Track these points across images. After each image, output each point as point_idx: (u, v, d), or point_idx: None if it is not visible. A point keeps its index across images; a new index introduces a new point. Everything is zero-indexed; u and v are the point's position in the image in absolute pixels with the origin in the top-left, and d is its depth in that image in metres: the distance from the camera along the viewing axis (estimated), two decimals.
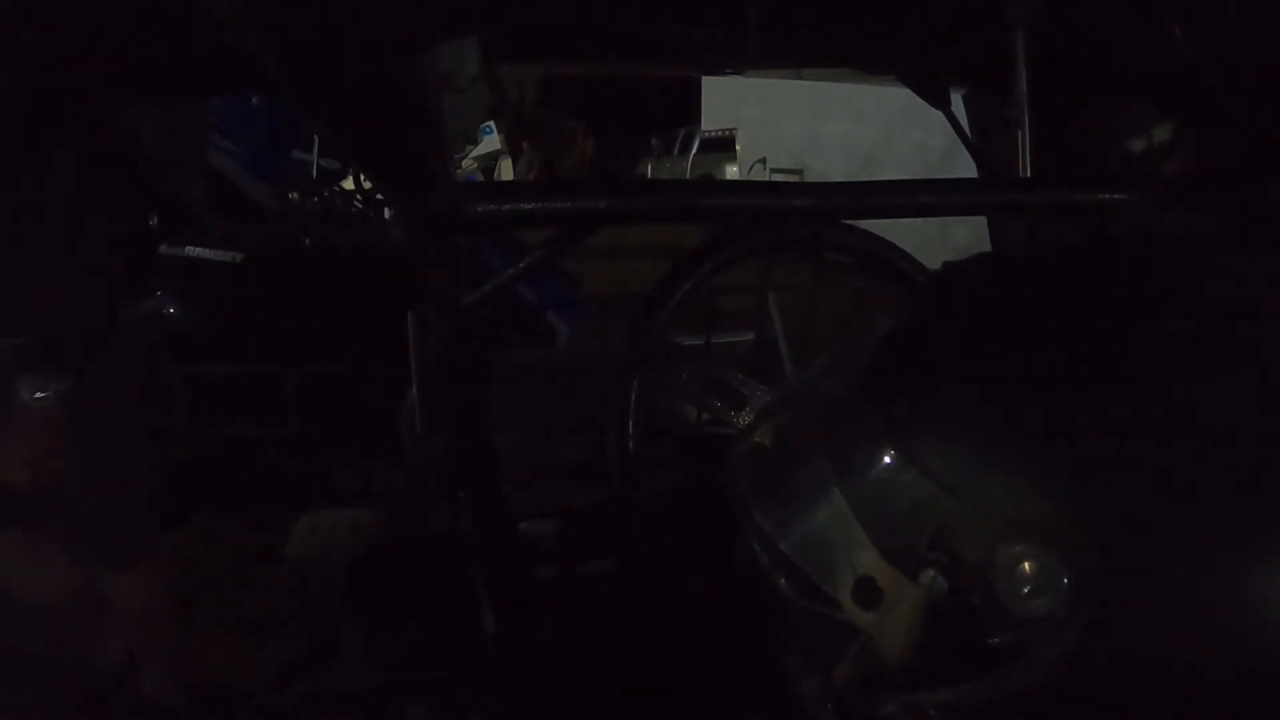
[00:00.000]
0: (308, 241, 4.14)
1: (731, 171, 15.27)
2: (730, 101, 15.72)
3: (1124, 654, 0.71)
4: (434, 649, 1.50)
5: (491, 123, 11.48)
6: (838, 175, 11.05)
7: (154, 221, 3.86)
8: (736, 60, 2.09)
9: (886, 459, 0.80)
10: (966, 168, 2.04)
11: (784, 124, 13.36)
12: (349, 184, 4.65)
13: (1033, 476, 0.74)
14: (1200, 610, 0.71)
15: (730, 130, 16.00)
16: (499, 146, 13.47)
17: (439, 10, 1.36)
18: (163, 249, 3.78)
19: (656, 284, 1.46)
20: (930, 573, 0.75)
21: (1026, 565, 0.72)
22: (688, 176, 15.35)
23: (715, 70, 2.84)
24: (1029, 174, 1.65)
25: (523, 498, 1.65)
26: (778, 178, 12.56)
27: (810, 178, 11.60)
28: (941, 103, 1.85)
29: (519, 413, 1.98)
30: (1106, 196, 1.54)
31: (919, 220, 1.58)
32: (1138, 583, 0.71)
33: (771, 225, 1.46)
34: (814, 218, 1.46)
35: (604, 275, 4.06)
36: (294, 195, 4.45)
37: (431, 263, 1.36)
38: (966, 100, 2.00)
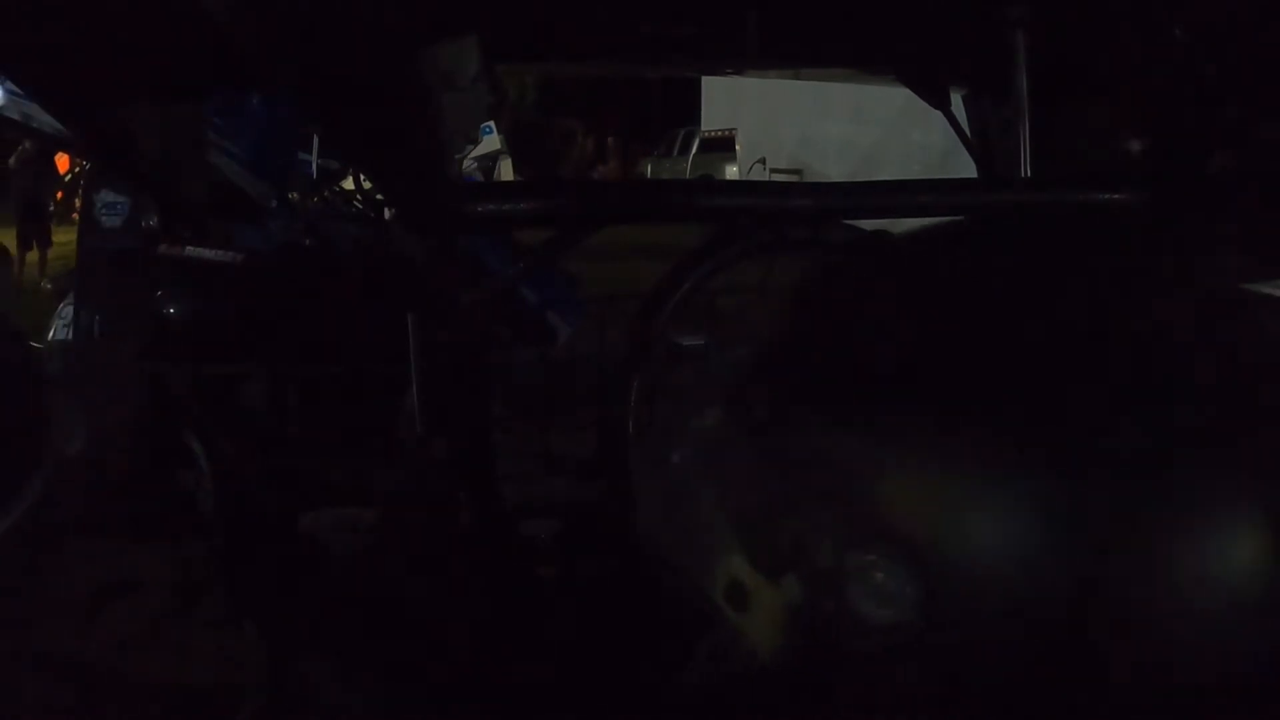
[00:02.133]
0: (308, 241, 4.13)
1: (731, 171, 15.27)
2: (730, 101, 15.72)
3: (973, 665, 0.72)
4: (434, 649, 1.50)
5: (491, 123, 11.47)
6: (837, 175, 11.05)
7: (154, 221, 3.86)
8: (736, 60, 2.09)
9: (751, 462, 0.82)
10: (966, 168, 2.04)
11: (784, 124, 13.36)
12: (349, 184, 4.64)
13: (885, 485, 0.75)
14: (1058, 617, 0.71)
15: (730, 130, 16.00)
16: (499, 146, 13.46)
17: (439, 9, 1.36)
18: (162, 249, 3.77)
19: (657, 284, 1.46)
20: (790, 577, 0.76)
21: (876, 574, 0.73)
22: (688, 176, 15.35)
23: (715, 70, 2.84)
24: (1029, 174, 1.65)
25: (523, 498, 1.65)
26: (777, 178, 12.55)
27: (810, 178, 11.60)
28: (941, 103, 1.85)
29: (519, 413, 1.98)
30: (1106, 196, 1.54)
31: (918, 221, 1.58)
32: (990, 592, 0.72)
33: (771, 225, 1.46)
34: (814, 218, 1.46)
35: (604, 275, 4.06)
36: (294, 195, 4.44)
37: (431, 263, 1.36)
38: (966, 100, 2.00)
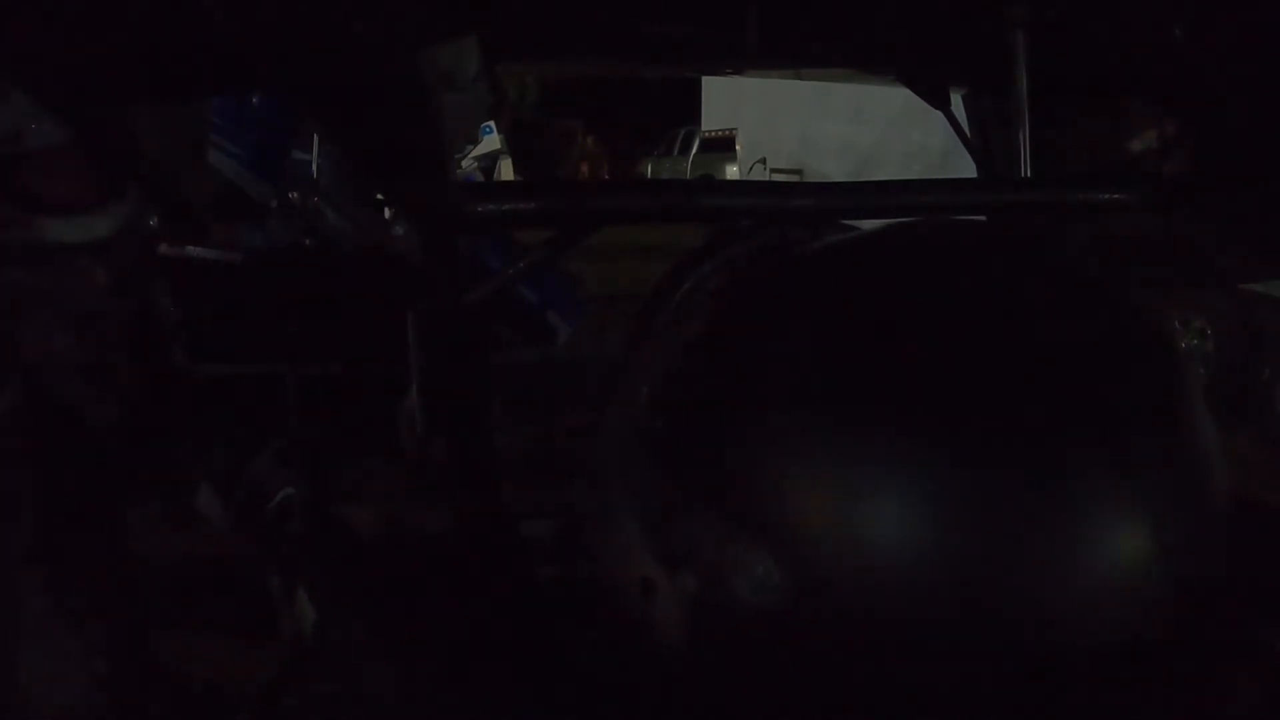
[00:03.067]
0: (308, 241, 4.14)
1: (731, 171, 15.28)
2: (730, 101, 15.73)
3: (846, 652, 0.77)
4: (434, 649, 1.50)
5: (491, 123, 11.48)
6: (838, 175, 11.06)
7: (154, 221, 3.85)
8: (736, 60, 2.09)
9: (643, 459, 0.88)
10: (966, 168, 2.04)
11: (784, 124, 13.37)
12: (349, 184, 4.65)
13: (758, 476, 0.80)
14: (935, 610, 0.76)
15: (730, 130, 16.01)
16: (499, 146, 13.48)
17: (439, 9, 1.36)
18: (162, 249, 3.77)
19: (657, 284, 1.46)
20: (685, 573, 0.82)
21: (751, 564, 0.78)
22: (688, 176, 15.36)
23: (715, 70, 2.85)
24: (1029, 174, 1.65)
25: (523, 498, 1.65)
26: (778, 178, 12.56)
27: (810, 178, 11.60)
28: (941, 103, 1.85)
29: (519, 413, 1.98)
30: (1106, 196, 1.54)
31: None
32: (860, 579, 0.77)
33: (771, 225, 1.46)
34: (814, 218, 1.46)
35: (604, 275, 4.06)
36: (294, 195, 4.44)
37: (431, 263, 1.36)
38: (966, 100, 2.00)
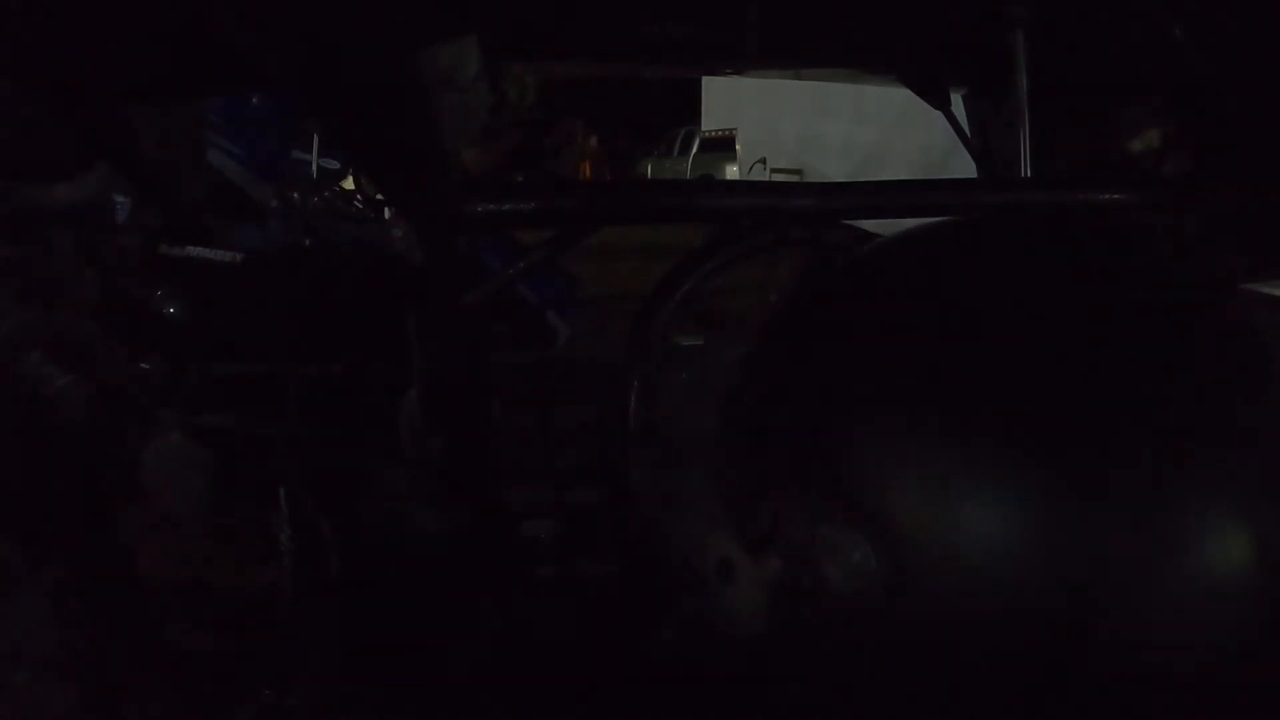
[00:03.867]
0: (308, 241, 4.13)
1: (731, 171, 15.26)
2: (730, 101, 15.72)
3: (939, 642, 0.76)
4: (434, 649, 1.50)
5: None
6: (838, 175, 11.05)
7: (154, 221, 3.85)
8: (736, 60, 2.09)
9: (731, 441, 0.88)
10: (966, 168, 2.04)
11: (784, 124, 13.36)
12: (349, 184, 4.64)
13: (852, 463, 0.80)
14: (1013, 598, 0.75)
15: (730, 130, 15.99)
16: None
17: (439, 9, 1.36)
18: (162, 249, 3.76)
19: (657, 284, 1.45)
20: (770, 554, 0.81)
21: (844, 548, 0.77)
22: (688, 176, 15.35)
23: (715, 70, 2.84)
24: (1029, 174, 1.65)
25: (523, 498, 1.65)
26: (778, 178, 12.55)
27: (810, 178, 11.60)
28: (941, 103, 1.85)
29: (519, 413, 1.98)
30: (1106, 196, 1.54)
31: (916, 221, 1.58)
32: (962, 574, 0.75)
33: (771, 225, 1.46)
34: (814, 218, 1.46)
35: (604, 275, 4.06)
36: (294, 195, 4.44)
37: (431, 263, 1.36)
38: (966, 100, 2.00)
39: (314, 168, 4.98)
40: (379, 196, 4.24)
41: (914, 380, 0.81)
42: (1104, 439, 0.77)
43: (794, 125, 13.05)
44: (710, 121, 17.23)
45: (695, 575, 0.87)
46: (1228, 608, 0.77)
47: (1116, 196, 1.54)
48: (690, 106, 17.95)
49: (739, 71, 2.51)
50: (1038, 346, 0.80)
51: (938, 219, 1.23)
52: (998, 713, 0.77)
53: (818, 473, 0.81)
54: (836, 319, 0.92)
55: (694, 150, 17.06)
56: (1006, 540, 0.75)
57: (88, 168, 1.60)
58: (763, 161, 14.05)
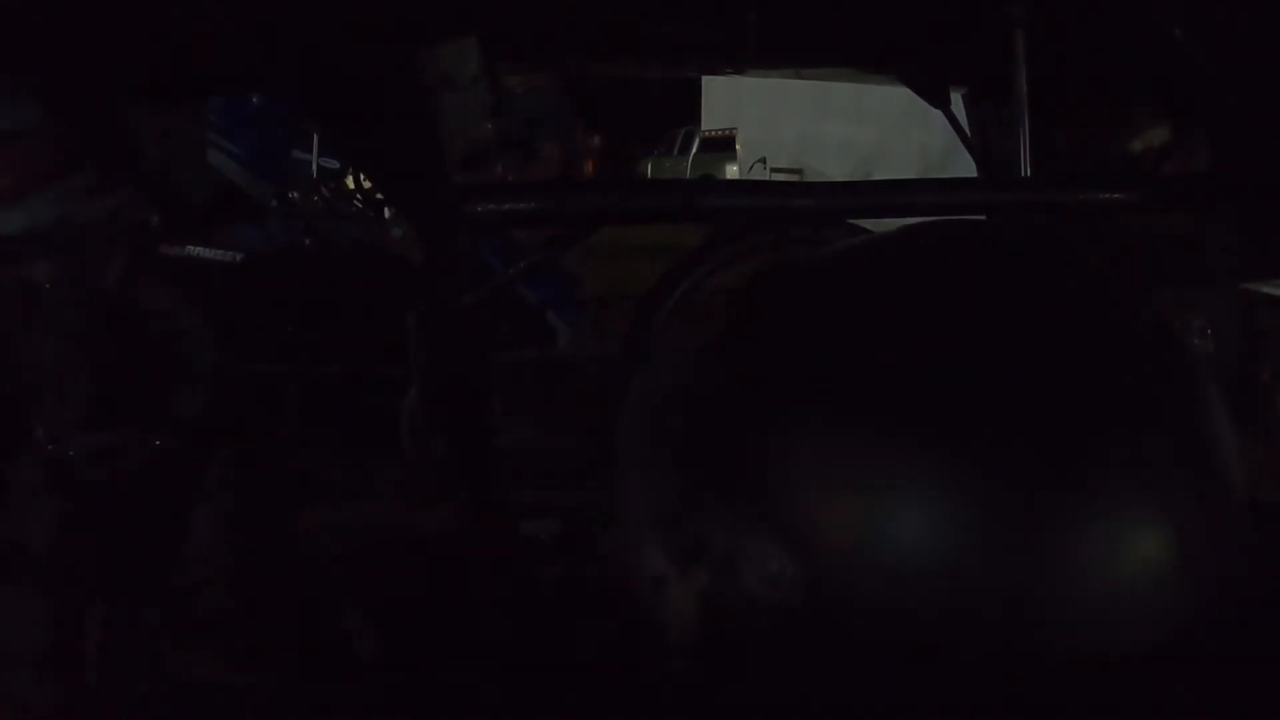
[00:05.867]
0: (308, 241, 4.14)
1: (731, 171, 15.27)
2: (730, 101, 15.73)
3: (860, 648, 0.78)
4: (433, 649, 1.50)
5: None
6: (838, 175, 11.05)
7: (154, 221, 3.85)
8: (736, 60, 2.09)
9: (657, 455, 0.89)
10: (966, 168, 2.04)
11: (784, 124, 13.37)
12: (349, 184, 4.65)
13: (772, 471, 0.81)
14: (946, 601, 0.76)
15: (730, 130, 16.00)
16: None
17: (439, 10, 1.36)
18: (162, 249, 3.76)
19: (656, 283, 1.46)
20: (697, 568, 0.82)
21: (764, 558, 0.79)
22: (688, 176, 15.35)
23: (715, 70, 2.85)
24: (1029, 174, 1.65)
25: (523, 498, 1.65)
26: (778, 178, 12.55)
27: (810, 178, 11.60)
28: (941, 103, 1.85)
29: (519, 413, 1.98)
30: (1106, 196, 1.54)
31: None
32: (872, 575, 0.77)
33: (771, 225, 1.46)
34: (814, 218, 1.46)
35: (604, 275, 4.06)
36: (294, 195, 4.44)
37: (431, 263, 1.36)
38: (966, 100, 2.00)
39: (314, 168, 4.99)
40: (379, 196, 4.24)
41: (827, 387, 0.83)
42: (1017, 436, 0.78)
43: (794, 125, 13.06)
44: (710, 121, 17.24)
45: (629, 588, 0.90)
46: (1150, 600, 0.79)
47: (1116, 196, 1.54)
48: (690, 106, 17.96)
49: (739, 71, 2.51)
50: (950, 348, 0.81)
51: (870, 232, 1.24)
52: (918, 713, 0.78)
53: (740, 484, 0.82)
54: (752, 329, 0.93)
55: (694, 150, 17.07)
56: (919, 540, 0.77)
57: (64, 176, 1.58)
58: (763, 161, 14.05)
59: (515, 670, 1.37)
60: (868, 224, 1.61)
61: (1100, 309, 0.89)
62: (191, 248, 3.77)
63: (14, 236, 1.48)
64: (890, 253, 0.98)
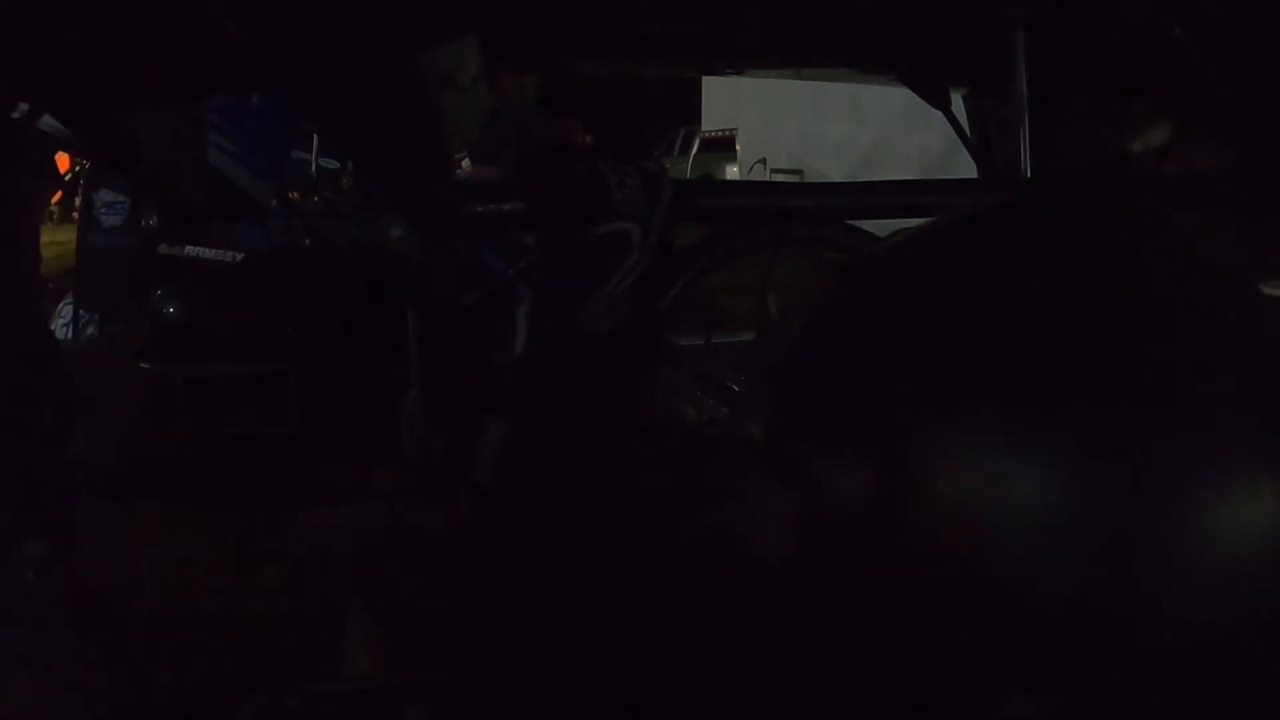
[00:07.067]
0: (308, 241, 4.13)
1: (731, 171, 15.25)
2: (730, 101, 15.71)
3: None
4: (434, 649, 1.50)
5: None
6: (838, 175, 11.04)
7: (154, 221, 3.85)
8: (736, 60, 2.09)
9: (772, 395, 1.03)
10: (966, 168, 2.04)
11: (784, 124, 13.36)
12: (349, 184, 4.64)
13: (866, 401, 0.90)
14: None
15: (730, 130, 15.99)
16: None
17: (440, 10, 1.36)
18: (162, 249, 3.77)
19: (656, 283, 1.45)
20: (794, 488, 0.92)
21: (853, 469, 0.87)
22: (688, 176, 15.34)
23: (715, 70, 2.85)
24: (1029, 174, 1.65)
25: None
26: (778, 178, 12.54)
27: (810, 178, 11.59)
28: (941, 103, 1.85)
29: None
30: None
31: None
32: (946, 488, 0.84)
33: (771, 225, 1.46)
34: (814, 218, 1.46)
35: None
36: (294, 195, 4.44)
37: (431, 263, 1.36)
38: (966, 100, 2.00)
39: (314, 168, 4.99)
40: (379, 196, 4.24)
41: (932, 342, 0.89)
42: (1094, 392, 0.82)
43: (794, 125, 13.04)
44: (710, 121, 17.22)
45: (735, 514, 1.01)
46: (1254, 575, 0.81)
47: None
48: (690, 106, 17.93)
49: (739, 71, 2.51)
50: (1043, 319, 0.86)
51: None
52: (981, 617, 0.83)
53: (840, 412, 0.90)
54: (864, 292, 1.01)
55: (694, 150, 17.05)
56: (991, 452, 0.83)
57: None
58: (763, 161, 14.03)
59: (513, 669, 1.37)
60: (867, 224, 1.61)
61: (1204, 280, 0.92)
62: (191, 248, 3.77)
63: None
64: (974, 231, 1.05)
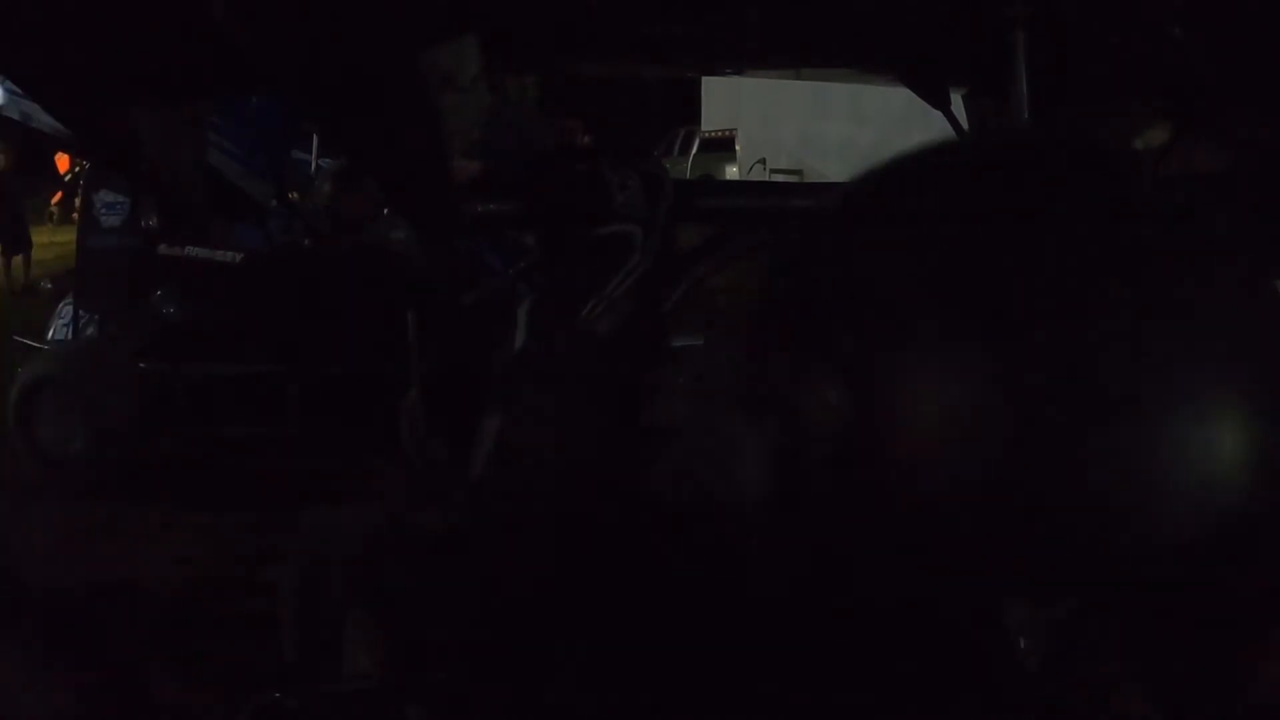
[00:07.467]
0: (307, 241, 4.14)
1: (731, 171, 15.25)
2: (730, 101, 15.72)
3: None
4: (434, 649, 1.50)
5: None
6: (838, 175, 11.04)
7: (154, 221, 3.85)
8: (736, 60, 2.09)
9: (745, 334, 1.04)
10: None
11: (784, 124, 13.36)
12: (348, 184, 4.65)
13: (836, 325, 0.92)
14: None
15: (730, 130, 15.99)
16: None
17: (440, 10, 1.36)
18: (162, 249, 3.77)
19: (656, 283, 1.45)
20: (768, 414, 0.93)
21: (822, 390, 0.89)
22: (688, 176, 15.35)
23: (715, 70, 2.85)
24: None
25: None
26: (778, 178, 12.55)
27: (810, 178, 11.59)
28: (941, 103, 1.85)
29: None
30: None
31: None
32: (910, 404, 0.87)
33: (771, 225, 1.46)
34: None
35: None
36: (294, 195, 4.45)
37: (431, 263, 1.36)
38: (966, 100, 2.00)
39: (314, 167, 4.99)
40: (379, 197, 4.24)
41: (894, 267, 0.92)
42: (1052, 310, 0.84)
43: (794, 125, 13.05)
44: (710, 121, 17.22)
45: (709, 458, 1.01)
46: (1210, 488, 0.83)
47: None
48: (690, 106, 17.93)
49: (739, 71, 2.52)
50: (1001, 243, 0.90)
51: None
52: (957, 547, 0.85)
53: (809, 339, 0.93)
54: (822, 229, 1.06)
55: (694, 150, 17.05)
56: (960, 380, 0.86)
57: None
58: (763, 162, 14.03)
59: (513, 669, 1.37)
60: None
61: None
62: (191, 248, 3.77)
63: None
64: (938, 161, 1.11)
